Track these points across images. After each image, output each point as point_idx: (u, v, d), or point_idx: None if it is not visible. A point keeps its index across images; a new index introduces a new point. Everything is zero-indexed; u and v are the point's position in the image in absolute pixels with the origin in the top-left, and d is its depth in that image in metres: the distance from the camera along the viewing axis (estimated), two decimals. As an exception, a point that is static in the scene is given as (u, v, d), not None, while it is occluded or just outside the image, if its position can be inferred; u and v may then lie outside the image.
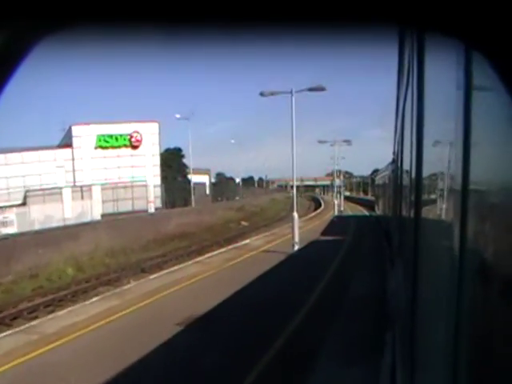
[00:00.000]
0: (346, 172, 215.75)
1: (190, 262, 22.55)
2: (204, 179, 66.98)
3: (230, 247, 28.07)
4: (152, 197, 53.61)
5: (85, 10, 0.83)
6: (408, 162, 3.68)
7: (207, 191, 67.38)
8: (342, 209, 61.22)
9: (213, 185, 73.22)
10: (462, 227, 1.28)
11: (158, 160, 53.88)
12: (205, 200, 63.32)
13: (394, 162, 13.40)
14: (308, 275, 16.93)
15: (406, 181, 4.70)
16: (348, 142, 54.07)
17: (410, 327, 2.74)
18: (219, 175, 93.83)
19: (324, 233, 34.29)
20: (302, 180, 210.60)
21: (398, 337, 5.33)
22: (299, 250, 24.22)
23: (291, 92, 25.62)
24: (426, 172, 2.40)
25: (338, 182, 76.35)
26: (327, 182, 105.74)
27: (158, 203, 54.79)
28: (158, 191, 54.46)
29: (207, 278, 17.34)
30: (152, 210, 53.12)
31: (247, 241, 30.99)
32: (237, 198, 78.37)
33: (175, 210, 52.27)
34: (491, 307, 1.05)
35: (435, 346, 1.76)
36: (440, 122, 1.75)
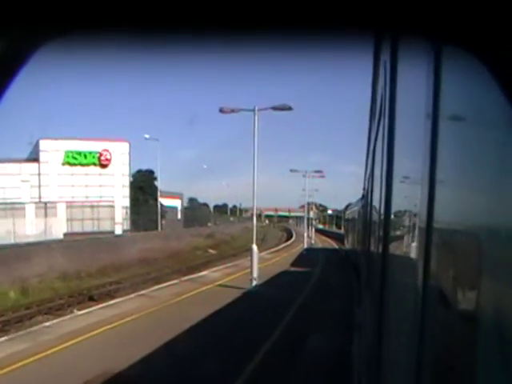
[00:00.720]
0: (320, 205, 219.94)
1: (132, 295, 20.86)
2: (176, 203, 65.49)
3: (185, 278, 26.40)
4: (120, 218, 52.04)
5: (60, 26, 0.87)
6: (377, 198, 3.79)
7: (179, 216, 65.83)
8: (312, 242, 61.30)
9: (185, 209, 71.70)
10: (425, 264, 1.33)
11: (127, 181, 52.41)
12: (176, 225, 61.70)
13: (363, 197, 13.55)
14: (259, 323, 14.60)
15: (374, 216, 4.81)
16: (320, 172, 53.88)
17: (375, 366, 2.77)
18: (192, 200, 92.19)
19: (292, 265, 33.28)
20: (276, 210, 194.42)
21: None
22: (258, 286, 22.67)
23: (254, 110, 23.71)
24: (394, 208, 2.47)
25: (311, 214, 77.06)
26: (301, 214, 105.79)
27: (127, 225, 53.20)
28: (127, 213, 52.94)
29: (143, 318, 15.59)
30: (119, 231, 51.50)
31: (205, 272, 29.52)
32: (209, 224, 76.62)
33: (142, 233, 50.65)
34: (453, 343, 1.11)
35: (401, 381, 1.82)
36: (409, 160, 1.80)
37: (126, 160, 51.61)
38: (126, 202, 52.45)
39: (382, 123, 3.28)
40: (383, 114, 3.01)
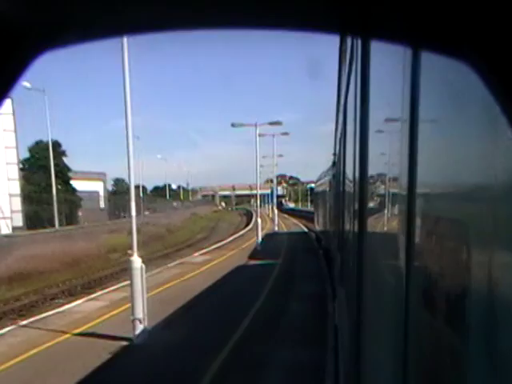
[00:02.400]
0: (292, 177, 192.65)
1: None
2: (98, 187, 50.06)
3: (48, 314, 14.89)
4: (7, 211, 37.17)
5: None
6: (350, 163, 3.43)
7: (102, 204, 50.45)
8: (276, 228, 49.72)
9: (111, 195, 56.13)
10: (408, 236, 1.22)
11: (14, 155, 37.14)
12: (98, 216, 46.64)
13: (334, 164, 11.92)
14: None
15: (348, 187, 4.22)
16: (285, 134, 42.49)
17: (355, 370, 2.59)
18: (119, 182, 71.92)
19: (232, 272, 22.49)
20: (233, 189, 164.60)
21: None
22: (145, 336, 11.10)
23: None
24: (371, 174, 2.24)
25: (279, 189, 66.02)
26: (266, 191, 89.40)
27: (19, 221, 38.39)
28: (18, 203, 38.02)
29: None
30: (6, 230, 36.72)
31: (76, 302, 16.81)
32: (146, 213, 60.61)
33: (40, 232, 35.95)
34: (439, 337, 1.05)
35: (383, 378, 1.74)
36: (385, 111, 1.64)
37: (11, 124, 36.16)
38: (16, 189, 37.31)
39: (353, 73, 2.97)
40: (355, 61, 2.72)
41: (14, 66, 0.84)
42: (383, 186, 1.89)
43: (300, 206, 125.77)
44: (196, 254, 29.96)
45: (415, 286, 1.18)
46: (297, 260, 25.85)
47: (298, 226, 58.46)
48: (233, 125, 31.09)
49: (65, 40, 0.85)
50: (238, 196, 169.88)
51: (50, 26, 0.82)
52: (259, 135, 35.34)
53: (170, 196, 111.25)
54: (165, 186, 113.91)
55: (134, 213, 11.64)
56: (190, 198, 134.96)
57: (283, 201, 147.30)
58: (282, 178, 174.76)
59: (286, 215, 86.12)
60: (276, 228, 49.37)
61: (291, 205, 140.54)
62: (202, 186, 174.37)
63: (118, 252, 33.41)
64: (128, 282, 17.76)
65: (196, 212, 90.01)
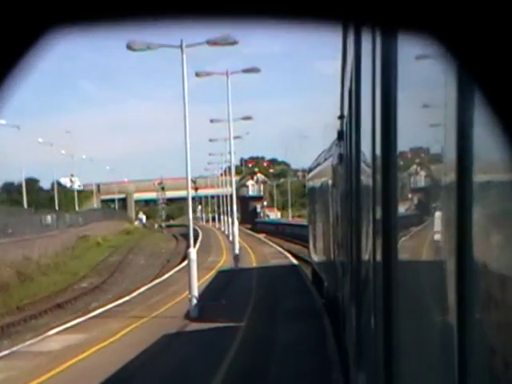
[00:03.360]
0: (273, 162, 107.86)
1: None
2: None
3: None
4: None
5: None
6: (368, 139, 2.19)
7: None
8: (236, 252, 30.76)
9: None
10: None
11: None
12: None
13: (341, 137, 7.98)
14: None
15: (367, 178, 2.57)
16: (248, 118, 34.43)
17: None
18: None
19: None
20: (162, 188, 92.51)
21: None
22: None
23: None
24: (413, 150, 1.49)
25: (249, 187, 56.04)
26: (220, 191, 58.10)
27: None
28: None
29: None
30: None
31: None
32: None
33: None
34: None
35: None
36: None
37: None
38: None
39: None
40: None
41: (27, 40, 0.87)
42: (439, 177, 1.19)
43: (290, 216, 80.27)
44: (54, 332, 16.26)
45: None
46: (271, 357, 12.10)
47: (281, 256, 34.87)
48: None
49: (73, 18, 0.88)
50: (170, 201, 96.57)
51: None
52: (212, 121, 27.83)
53: (36, 203, 60.02)
54: (31, 180, 64.16)
55: None
56: (77, 207, 75.23)
57: (259, 207, 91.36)
58: (254, 165, 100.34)
59: (263, 235, 55.79)
60: (237, 251, 30.71)
61: (273, 214, 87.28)
62: (103, 183, 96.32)
63: None
64: None
65: (88, 234, 54.80)
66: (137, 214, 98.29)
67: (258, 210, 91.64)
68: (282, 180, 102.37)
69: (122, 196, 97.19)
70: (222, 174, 60.67)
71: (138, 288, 24.92)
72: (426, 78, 1.27)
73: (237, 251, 30.59)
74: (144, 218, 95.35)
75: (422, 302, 1.44)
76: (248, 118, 34.48)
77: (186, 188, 18.94)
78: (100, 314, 18.83)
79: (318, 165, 17.26)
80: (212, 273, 27.33)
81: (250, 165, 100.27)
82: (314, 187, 19.21)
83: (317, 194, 18.24)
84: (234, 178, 36.99)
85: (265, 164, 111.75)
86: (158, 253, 46.66)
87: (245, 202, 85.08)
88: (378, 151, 1.96)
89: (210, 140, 45.46)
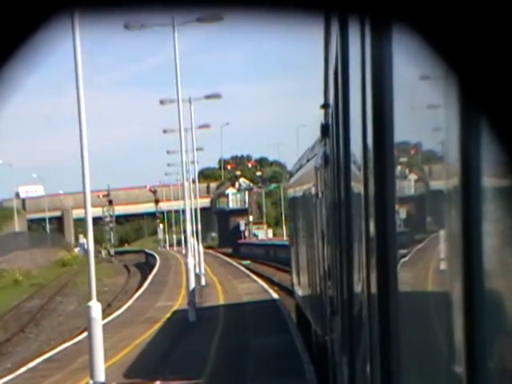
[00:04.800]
0: (261, 162, 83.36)
1: None
2: None
3: None
4: None
5: None
6: (357, 137, 1.79)
7: None
8: (203, 283, 26.21)
9: None
10: None
11: None
12: None
13: (325, 134, 7.07)
14: None
15: (356, 188, 2.16)
16: (216, 96, 29.48)
17: None
18: None
19: None
20: (109, 202, 62.25)
21: None
22: None
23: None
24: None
25: (230, 196, 46.75)
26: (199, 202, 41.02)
27: None
28: None
29: None
30: None
31: None
32: None
33: None
34: None
35: None
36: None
37: None
38: None
39: None
40: None
41: (30, 26, 0.90)
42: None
43: (285, 235, 57.78)
44: None
45: None
46: None
47: (265, 295, 25.74)
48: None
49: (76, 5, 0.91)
50: (122, 217, 74.60)
51: None
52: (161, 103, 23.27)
53: None
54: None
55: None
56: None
57: (243, 225, 69.84)
58: (236, 167, 74.57)
59: (245, 263, 43.93)
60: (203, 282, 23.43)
61: (262, 233, 68.97)
62: (30, 197, 72.74)
63: None
64: None
65: (4, 268, 43.23)
66: (77, 237, 71.55)
67: (242, 227, 70.34)
68: (273, 186, 78.64)
69: (57, 214, 72.84)
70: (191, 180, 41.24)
71: (51, 349, 17.69)
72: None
73: (195, 294, 21.35)
74: (84, 242, 62.71)
75: (430, 352, 1.14)
76: (215, 96, 28.80)
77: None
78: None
79: (300, 167, 14.09)
80: (157, 327, 19.88)
81: (231, 167, 77.09)
82: (295, 197, 15.47)
83: (299, 206, 14.65)
84: (211, 185, 32.68)
85: (250, 165, 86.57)
86: (98, 292, 34.71)
87: (223, 217, 65.27)
88: (371, 148, 1.58)
89: (168, 151, 36.93)
